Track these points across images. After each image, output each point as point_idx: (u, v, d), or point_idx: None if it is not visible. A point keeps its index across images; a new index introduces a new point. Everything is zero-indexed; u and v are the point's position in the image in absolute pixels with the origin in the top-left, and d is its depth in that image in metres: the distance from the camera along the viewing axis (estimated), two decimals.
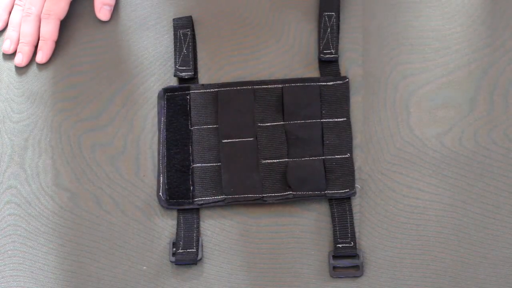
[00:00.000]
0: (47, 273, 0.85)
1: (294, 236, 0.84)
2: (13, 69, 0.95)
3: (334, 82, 0.89)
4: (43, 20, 0.95)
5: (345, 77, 0.89)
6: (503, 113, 0.86)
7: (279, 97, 0.89)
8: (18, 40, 0.95)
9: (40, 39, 0.94)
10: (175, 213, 0.86)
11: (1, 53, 0.96)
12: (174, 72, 0.91)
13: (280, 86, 0.89)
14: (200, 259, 0.84)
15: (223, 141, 0.88)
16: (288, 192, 0.85)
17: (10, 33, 0.96)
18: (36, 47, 0.95)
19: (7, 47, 0.95)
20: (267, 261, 0.83)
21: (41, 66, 0.94)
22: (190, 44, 0.93)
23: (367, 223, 0.84)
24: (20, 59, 0.94)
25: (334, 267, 0.83)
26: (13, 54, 0.96)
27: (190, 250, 0.84)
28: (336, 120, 0.88)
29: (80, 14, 0.97)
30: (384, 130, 0.87)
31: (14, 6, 0.97)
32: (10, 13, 0.97)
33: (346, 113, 0.88)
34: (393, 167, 0.85)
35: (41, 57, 0.94)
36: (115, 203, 0.87)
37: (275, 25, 0.93)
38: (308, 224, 0.84)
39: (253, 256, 0.84)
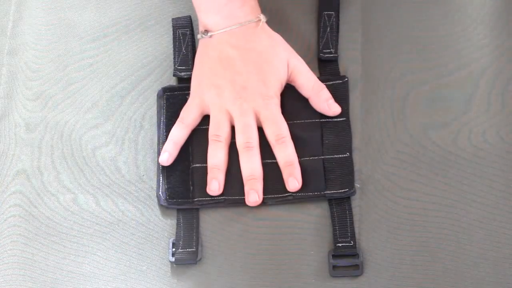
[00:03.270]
0: (47, 273, 0.85)
1: (294, 235, 0.84)
2: (15, 69, 0.94)
3: (334, 82, 0.89)
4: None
5: (344, 77, 0.89)
6: (501, 113, 0.86)
7: None
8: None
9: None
10: (174, 213, 0.86)
11: (4, 54, 0.96)
12: (173, 72, 0.91)
13: None
14: (200, 259, 0.84)
15: None
16: (288, 194, 0.85)
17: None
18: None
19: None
20: (267, 261, 0.83)
21: (41, 66, 0.94)
22: (189, 43, 0.93)
23: (366, 223, 0.84)
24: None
25: (334, 267, 0.82)
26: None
27: (189, 250, 0.84)
28: (335, 120, 0.88)
29: (80, 14, 0.96)
30: (383, 130, 0.87)
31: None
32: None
33: (345, 112, 0.88)
34: (393, 167, 0.85)
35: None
36: (114, 203, 0.87)
37: (274, 24, 0.92)
38: (308, 224, 0.84)
39: (253, 256, 0.84)
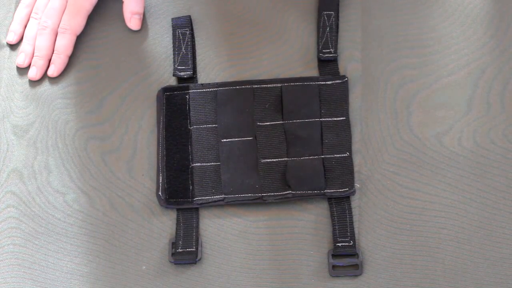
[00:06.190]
0: (46, 274, 0.85)
1: (293, 235, 0.84)
2: (13, 68, 0.95)
3: (333, 82, 0.89)
4: (59, 34, 0.93)
5: (344, 76, 0.89)
6: (501, 113, 0.86)
7: (278, 96, 0.89)
8: (33, 54, 0.94)
9: (54, 52, 0.93)
10: (174, 213, 0.86)
11: (1, 52, 0.96)
12: (173, 72, 0.91)
13: (279, 85, 0.89)
14: (200, 259, 0.84)
15: (222, 140, 0.88)
16: (288, 192, 0.85)
17: (25, 46, 0.95)
18: (49, 60, 0.94)
19: (22, 60, 0.94)
20: (266, 261, 0.83)
21: None
22: (189, 43, 0.93)
23: (366, 222, 0.84)
24: (34, 73, 0.93)
25: (334, 266, 0.83)
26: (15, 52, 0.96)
27: (189, 249, 0.84)
28: (335, 119, 0.88)
29: None
30: (383, 130, 0.87)
31: (30, 19, 0.96)
32: (25, 26, 0.96)
33: (345, 112, 0.88)
34: (392, 166, 0.85)
35: (52, 71, 0.93)
36: (113, 203, 0.87)
37: (274, 24, 0.93)
38: (307, 223, 0.84)
39: (253, 255, 0.84)
